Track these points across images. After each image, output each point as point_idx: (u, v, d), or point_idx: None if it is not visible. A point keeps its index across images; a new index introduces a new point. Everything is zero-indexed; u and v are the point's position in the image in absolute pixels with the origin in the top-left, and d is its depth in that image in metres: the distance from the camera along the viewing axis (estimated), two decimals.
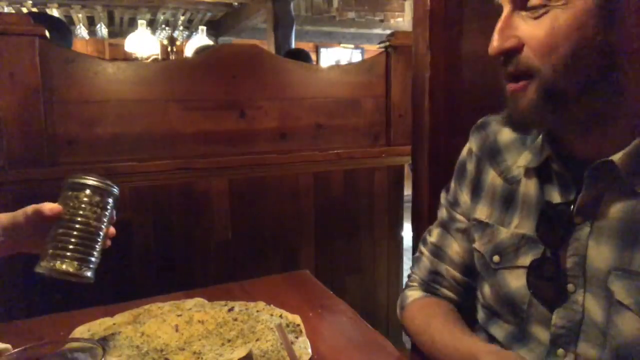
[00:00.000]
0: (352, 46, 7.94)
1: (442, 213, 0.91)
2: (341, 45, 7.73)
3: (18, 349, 0.53)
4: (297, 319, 0.98)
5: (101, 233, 0.74)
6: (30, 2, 4.45)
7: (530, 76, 0.61)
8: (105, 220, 0.75)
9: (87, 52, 5.23)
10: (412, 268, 0.95)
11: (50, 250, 0.70)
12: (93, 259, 0.73)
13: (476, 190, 0.82)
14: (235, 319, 0.98)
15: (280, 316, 0.98)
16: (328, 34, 6.52)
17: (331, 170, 1.80)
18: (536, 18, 0.60)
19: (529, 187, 0.73)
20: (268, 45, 4.65)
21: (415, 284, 0.93)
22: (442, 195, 0.93)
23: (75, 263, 0.70)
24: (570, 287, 0.66)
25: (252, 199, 1.67)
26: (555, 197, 0.68)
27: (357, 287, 1.89)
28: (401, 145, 1.85)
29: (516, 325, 0.74)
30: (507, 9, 0.63)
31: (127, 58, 5.22)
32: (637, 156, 0.60)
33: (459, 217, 0.87)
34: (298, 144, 1.73)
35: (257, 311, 1.01)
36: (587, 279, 0.64)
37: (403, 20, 5.06)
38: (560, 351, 0.67)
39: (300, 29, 5.45)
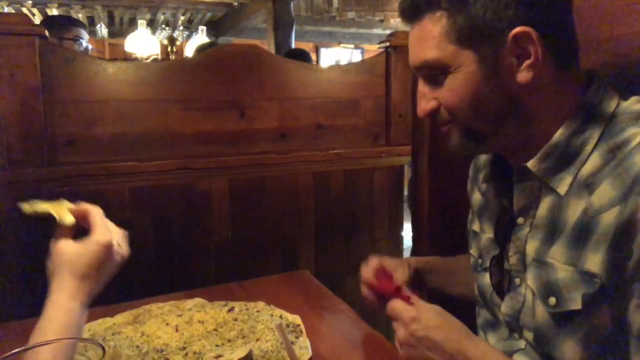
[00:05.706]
0: (352, 46, 7.94)
1: None
2: (341, 45, 7.74)
3: (18, 349, 0.53)
4: (297, 319, 0.98)
5: None
6: (30, 2, 4.45)
7: (451, 122, 0.74)
8: None
9: None
10: None
11: None
12: None
13: (472, 207, 0.94)
14: (235, 319, 0.98)
15: (280, 316, 0.98)
16: (328, 34, 6.53)
17: (331, 170, 1.79)
18: (440, 84, 0.72)
19: (492, 196, 0.84)
20: (268, 45, 4.65)
21: None
22: None
23: None
24: (517, 280, 0.76)
25: (252, 199, 1.67)
26: (507, 203, 0.79)
27: (357, 287, 1.88)
28: (401, 145, 1.84)
29: (490, 314, 0.85)
30: (420, 79, 0.75)
31: (127, 58, 5.21)
32: (546, 159, 0.70)
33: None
34: (298, 144, 1.73)
35: (257, 311, 1.01)
36: (526, 273, 0.74)
37: None
38: (516, 335, 0.77)
39: (300, 29, 5.45)
